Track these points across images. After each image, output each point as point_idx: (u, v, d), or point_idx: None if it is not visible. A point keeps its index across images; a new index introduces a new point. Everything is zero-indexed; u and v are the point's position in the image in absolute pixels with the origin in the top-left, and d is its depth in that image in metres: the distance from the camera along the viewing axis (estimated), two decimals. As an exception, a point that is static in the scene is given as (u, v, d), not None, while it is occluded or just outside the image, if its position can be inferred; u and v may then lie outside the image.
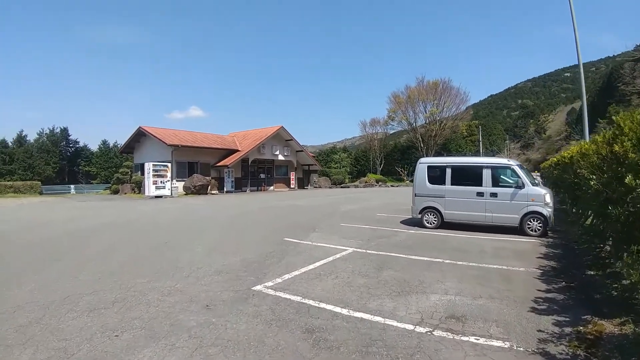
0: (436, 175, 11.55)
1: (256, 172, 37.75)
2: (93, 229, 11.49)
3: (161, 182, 27.02)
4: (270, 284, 5.76)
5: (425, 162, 11.76)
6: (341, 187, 44.27)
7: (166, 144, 29.21)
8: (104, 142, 65.30)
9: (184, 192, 29.35)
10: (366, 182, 46.77)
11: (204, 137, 35.84)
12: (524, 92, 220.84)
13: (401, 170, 53.18)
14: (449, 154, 57.78)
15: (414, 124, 57.27)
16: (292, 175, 40.24)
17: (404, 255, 7.70)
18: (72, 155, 63.67)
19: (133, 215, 15.11)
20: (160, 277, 6.15)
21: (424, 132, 57.14)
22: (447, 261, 7.24)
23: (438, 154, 56.36)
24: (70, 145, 64.09)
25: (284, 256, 7.60)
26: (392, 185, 46.04)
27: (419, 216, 11.62)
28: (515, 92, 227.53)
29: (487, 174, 10.70)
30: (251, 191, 34.94)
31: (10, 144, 56.19)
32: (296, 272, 6.40)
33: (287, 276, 6.17)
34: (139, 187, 30.69)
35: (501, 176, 10.87)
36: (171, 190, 27.62)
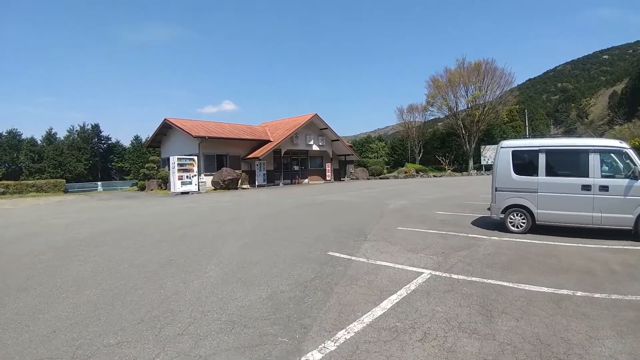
0: (525, 162, 8.81)
1: (289, 164, 35.46)
2: (89, 239, 9.32)
3: (187, 177, 25.03)
4: (316, 356, 3.31)
5: (509, 146, 8.98)
6: (380, 178, 41.44)
7: (192, 135, 27.23)
8: (136, 138, 64.61)
9: (213, 187, 27.36)
10: (406, 172, 43.69)
11: (232, 127, 33.73)
12: (563, 75, 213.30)
13: (442, 159, 49.75)
14: (493, 140, 53.91)
15: (455, 109, 53.47)
16: (328, 167, 37.68)
17: (509, 284, 5.15)
18: (105, 151, 63.29)
19: (146, 219, 12.96)
20: (140, 334, 3.84)
21: (464, 117, 53.35)
22: (579, 294, 4.73)
23: (481, 140, 52.64)
24: (102, 141, 63.68)
25: (333, 287, 5.12)
26: (434, 176, 42.83)
27: (501, 216, 8.91)
28: (555, 76, 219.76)
29: (594, 161, 7.99)
30: (284, 184, 32.70)
31: (39, 142, 56.03)
32: (356, 325, 3.93)
33: (342, 335, 3.71)
34: (165, 182, 28.92)
35: (611, 163, 8.14)
36: (198, 186, 25.62)
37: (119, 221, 12.49)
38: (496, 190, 8.95)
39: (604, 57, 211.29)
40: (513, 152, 8.83)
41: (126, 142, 65.80)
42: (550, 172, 8.40)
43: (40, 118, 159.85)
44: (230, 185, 27.02)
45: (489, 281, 5.29)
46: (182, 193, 24.69)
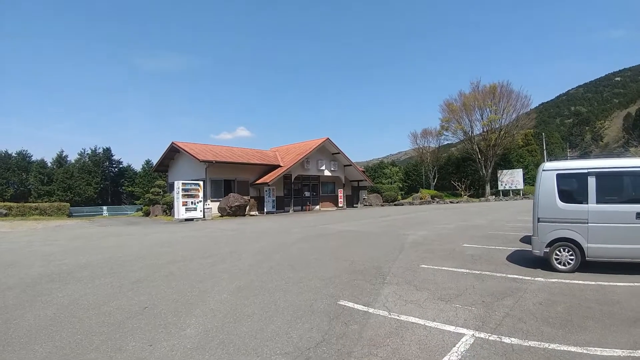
0: (572, 188, 7.44)
1: (300, 190, 34.17)
2: (66, 273, 8.12)
3: (192, 202, 23.85)
4: None
5: (553, 169, 7.59)
6: (394, 204, 39.95)
7: (199, 160, 26.20)
8: (148, 162, 64.19)
9: (219, 214, 26.13)
10: (421, 198, 42.16)
11: (241, 152, 32.72)
12: (576, 99, 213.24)
13: (458, 185, 48.12)
14: (510, 165, 52.27)
15: (470, 133, 52.04)
16: (340, 193, 36.27)
17: (578, 349, 3.90)
18: (116, 175, 62.89)
19: (136, 250, 11.66)
20: None
21: (479, 141, 51.90)
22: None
23: (498, 165, 50.99)
24: (114, 165, 63.37)
25: (344, 359, 3.76)
26: (450, 202, 41.21)
27: (546, 251, 7.47)
28: (568, 99, 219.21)
29: (650, 184, 6.70)
30: (295, 211, 31.36)
31: (49, 164, 55.75)
32: None
33: None
34: (170, 208, 27.77)
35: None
36: (204, 212, 24.41)
37: (107, 252, 11.28)
38: (539, 221, 7.53)
39: (617, 79, 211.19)
40: (558, 175, 7.45)
41: (139, 167, 65.42)
42: (601, 198, 7.03)
43: (55, 143, 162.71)
44: (237, 212, 25.79)
45: (552, 346, 3.94)
46: (186, 220, 23.52)
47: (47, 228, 21.37)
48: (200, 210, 24.31)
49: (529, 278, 6.81)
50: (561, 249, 7.34)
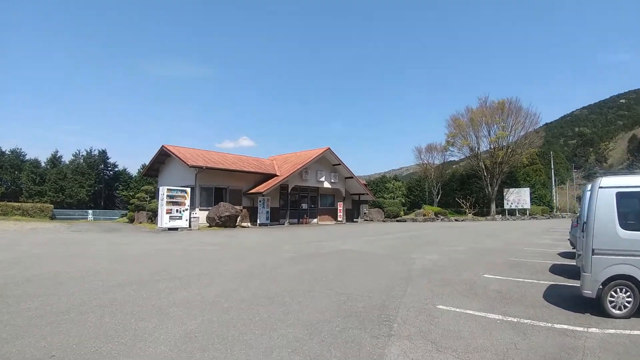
0: (635, 211, 5.71)
1: (297, 202, 32.34)
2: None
3: (177, 210, 21.97)
4: None
5: (612, 186, 5.78)
6: (396, 220, 38.09)
7: (188, 165, 24.48)
8: (144, 166, 62.44)
9: (207, 224, 24.26)
10: (424, 215, 40.32)
11: (235, 158, 30.98)
12: (580, 120, 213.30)
13: (463, 202, 46.28)
14: (516, 183, 50.60)
15: (477, 150, 50.37)
16: (340, 206, 34.43)
17: None
18: (111, 179, 61.04)
19: (91, 264, 9.80)
20: None
21: (485, 157, 50.31)
22: None
23: (504, 183, 49.30)
24: (109, 168, 61.55)
25: None
26: (455, 220, 39.33)
27: (599, 289, 5.68)
28: (572, 120, 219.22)
29: None
30: (290, 224, 29.53)
31: (43, 164, 54.12)
32: None
33: None
34: (155, 215, 25.97)
35: None
36: (189, 222, 22.50)
37: (59, 264, 9.60)
38: (594, 254, 5.75)
39: (621, 101, 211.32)
40: (619, 194, 5.69)
41: (135, 171, 63.65)
42: None
43: (52, 143, 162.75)
44: (227, 222, 23.93)
45: None
46: (170, 229, 21.66)
47: (19, 231, 19.67)
48: (186, 220, 22.45)
49: (582, 329, 5.05)
50: (618, 289, 5.60)
